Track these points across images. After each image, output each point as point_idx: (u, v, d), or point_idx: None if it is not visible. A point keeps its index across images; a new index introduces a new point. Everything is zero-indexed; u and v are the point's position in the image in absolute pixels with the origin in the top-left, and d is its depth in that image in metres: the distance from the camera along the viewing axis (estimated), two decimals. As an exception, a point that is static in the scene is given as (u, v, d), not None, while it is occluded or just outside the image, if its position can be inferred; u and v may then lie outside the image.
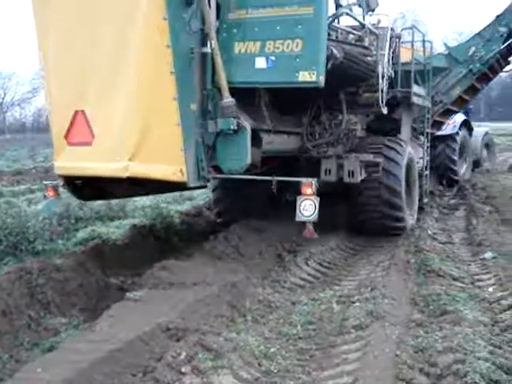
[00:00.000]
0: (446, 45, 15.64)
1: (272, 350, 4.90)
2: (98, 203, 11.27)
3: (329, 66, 6.90)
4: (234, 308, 5.85)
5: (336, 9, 8.63)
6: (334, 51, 7.04)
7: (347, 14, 8.66)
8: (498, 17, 13.03)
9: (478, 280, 6.96)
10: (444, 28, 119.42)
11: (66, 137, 6.88)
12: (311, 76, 6.69)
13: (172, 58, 6.44)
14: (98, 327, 5.15)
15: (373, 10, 9.21)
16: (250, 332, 5.24)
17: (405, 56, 10.84)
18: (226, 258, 7.46)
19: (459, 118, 15.52)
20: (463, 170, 16.26)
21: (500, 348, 4.78)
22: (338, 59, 7.11)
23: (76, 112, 6.71)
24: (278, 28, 6.82)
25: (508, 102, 56.40)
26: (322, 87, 6.82)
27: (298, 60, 6.73)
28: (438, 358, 4.38)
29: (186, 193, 13.27)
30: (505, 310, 5.76)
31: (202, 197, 12.89)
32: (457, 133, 15.32)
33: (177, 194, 13.00)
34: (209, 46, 6.79)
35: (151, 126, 6.48)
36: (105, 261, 7.61)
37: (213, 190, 10.20)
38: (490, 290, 6.50)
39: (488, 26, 13.12)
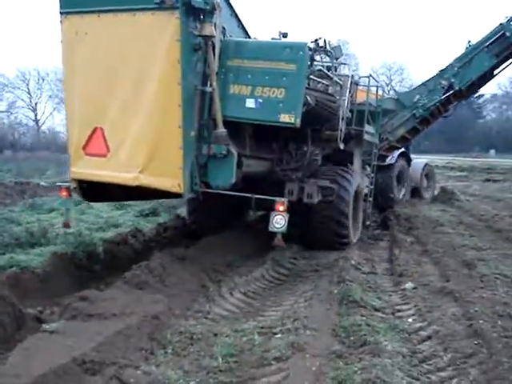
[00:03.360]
0: (395, 91, 17.72)
1: (191, 383, 4.83)
2: (19, 229, 11.00)
3: (303, 110, 8.22)
4: (154, 340, 5.74)
5: (311, 62, 10.13)
6: (309, 99, 8.45)
7: (321, 70, 10.44)
8: (441, 71, 15.23)
9: (399, 310, 7.07)
10: (373, 60, 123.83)
11: (83, 148, 8.31)
12: (290, 118, 8.11)
13: (181, 94, 7.57)
14: (10, 360, 4.94)
15: (337, 59, 11.33)
16: (170, 365, 5.15)
17: (359, 96, 12.40)
18: (148, 288, 7.30)
19: (398, 150, 17.19)
20: (401, 194, 17.90)
21: (418, 380, 4.87)
22: (311, 105, 8.53)
23: (95, 128, 8.14)
24: (267, 77, 8.19)
25: (432, 136, 59.99)
26: (297, 127, 8.17)
27: (280, 105, 8.12)
28: (356, 389, 4.40)
29: (112, 219, 13.11)
30: (423, 341, 5.90)
31: (128, 224, 12.68)
32: (395, 163, 17.07)
33: (102, 220, 12.85)
34: (209, 85, 7.97)
35: (159, 146, 7.77)
36: (22, 290, 7.34)
37: (188, 202, 11.75)
38: (410, 320, 6.63)
39: (432, 77, 15.46)
